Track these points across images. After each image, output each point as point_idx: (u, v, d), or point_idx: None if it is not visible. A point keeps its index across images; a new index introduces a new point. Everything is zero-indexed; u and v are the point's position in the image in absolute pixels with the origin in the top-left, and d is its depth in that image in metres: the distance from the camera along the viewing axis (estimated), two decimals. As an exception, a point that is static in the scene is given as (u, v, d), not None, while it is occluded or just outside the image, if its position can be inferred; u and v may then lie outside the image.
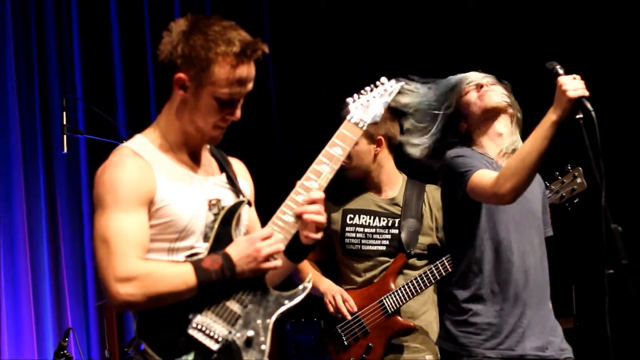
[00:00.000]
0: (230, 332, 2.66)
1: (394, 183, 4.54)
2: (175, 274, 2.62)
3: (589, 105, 3.11)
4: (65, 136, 5.26)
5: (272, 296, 2.72)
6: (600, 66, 5.74)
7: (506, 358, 3.46)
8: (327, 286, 4.48)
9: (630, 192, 5.79)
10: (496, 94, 3.62)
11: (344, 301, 4.42)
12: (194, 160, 2.79)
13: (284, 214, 2.72)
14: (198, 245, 2.71)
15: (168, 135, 2.75)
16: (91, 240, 3.21)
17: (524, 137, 3.41)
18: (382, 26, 6.23)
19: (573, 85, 3.14)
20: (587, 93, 3.13)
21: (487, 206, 3.49)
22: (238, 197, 2.80)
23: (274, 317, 2.71)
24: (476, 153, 3.55)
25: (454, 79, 3.68)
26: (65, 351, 4.74)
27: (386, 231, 4.47)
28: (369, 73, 2.91)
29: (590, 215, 3.17)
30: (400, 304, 4.38)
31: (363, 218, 4.51)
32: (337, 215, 4.53)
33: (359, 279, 4.48)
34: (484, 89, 3.62)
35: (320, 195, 2.74)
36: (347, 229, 4.51)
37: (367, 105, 2.82)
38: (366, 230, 4.49)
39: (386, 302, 4.40)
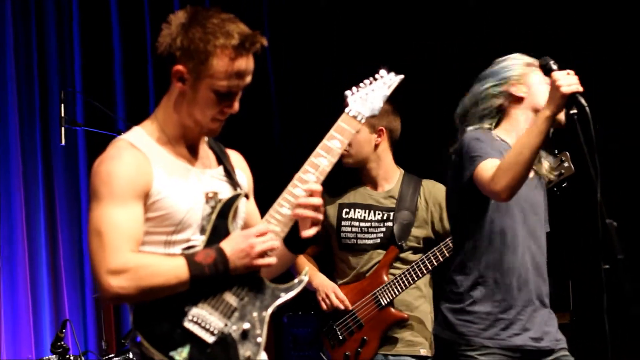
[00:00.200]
0: (226, 325, 2.66)
1: (391, 177, 4.55)
2: (167, 267, 2.62)
3: (583, 101, 3.11)
4: (63, 128, 5.26)
5: (269, 289, 2.72)
6: (600, 65, 5.75)
7: (504, 348, 3.44)
8: (320, 281, 4.48)
9: (630, 191, 5.80)
10: None
11: (340, 301, 4.43)
12: (192, 153, 2.79)
13: (281, 207, 2.72)
14: (194, 238, 2.70)
15: (166, 128, 2.75)
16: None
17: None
18: (382, 23, 6.23)
19: (567, 81, 3.14)
20: (581, 88, 3.13)
21: None
22: (235, 189, 2.80)
23: (270, 310, 2.71)
24: (494, 140, 3.49)
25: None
26: (62, 342, 4.74)
27: (381, 224, 4.48)
28: (368, 71, 2.89)
29: (587, 210, 3.18)
30: (393, 296, 4.40)
31: (358, 212, 4.52)
32: (332, 210, 4.53)
33: (354, 273, 4.49)
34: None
35: (318, 187, 2.74)
36: (343, 223, 4.51)
37: (365, 98, 2.80)
38: (362, 224, 4.50)
39: (379, 295, 4.41)
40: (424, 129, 5.90)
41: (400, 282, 4.38)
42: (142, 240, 2.66)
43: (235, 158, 2.93)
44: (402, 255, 4.44)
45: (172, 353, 2.62)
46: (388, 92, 2.84)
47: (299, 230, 2.77)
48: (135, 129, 2.78)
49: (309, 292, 4.44)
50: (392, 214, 4.47)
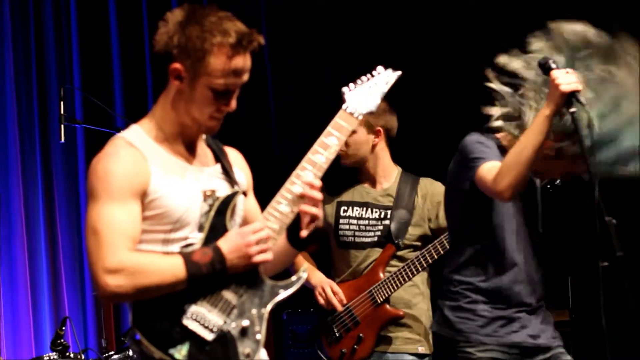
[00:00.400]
0: (225, 322, 2.66)
1: (389, 175, 4.55)
2: (164, 266, 2.62)
3: (582, 99, 3.11)
4: (62, 126, 5.25)
5: (267, 286, 2.72)
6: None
7: (502, 345, 3.46)
8: (318, 279, 4.50)
9: (630, 189, 5.79)
10: None
11: (334, 293, 4.44)
12: (190, 151, 2.79)
13: (279, 204, 2.72)
14: (192, 236, 2.70)
15: (163, 126, 2.75)
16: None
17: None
18: (382, 23, 6.21)
19: (566, 79, 3.15)
20: (580, 87, 3.14)
21: None
22: (233, 187, 2.80)
23: (269, 307, 2.71)
24: (495, 146, 3.49)
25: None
26: (62, 340, 4.75)
27: (379, 223, 4.48)
28: (368, 70, 2.88)
29: (586, 207, 3.18)
30: (389, 293, 4.40)
31: (356, 210, 4.52)
32: (330, 208, 4.53)
33: (351, 271, 4.50)
34: None
35: (318, 182, 2.74)
36: (341, 221, 4.51)
37: (363, 95, 2.80)
38: (359, 222, 4.50)
39: (375, 292, 4.41)
40: (424, 129, 5.89)
41: (396, 279, 4.38)
42: (139, 239, 2.66)
43: (234, 156, 2.93)
44: (399, 253, 4.45)
45: (171, 351, 2.62)
46: (386, 88, 2.84)
47: (300, 227, 2.77)
48: (132, 127, 2.78)
49: (308, 289, 4.45)
50: (389, 212, 4.47)
